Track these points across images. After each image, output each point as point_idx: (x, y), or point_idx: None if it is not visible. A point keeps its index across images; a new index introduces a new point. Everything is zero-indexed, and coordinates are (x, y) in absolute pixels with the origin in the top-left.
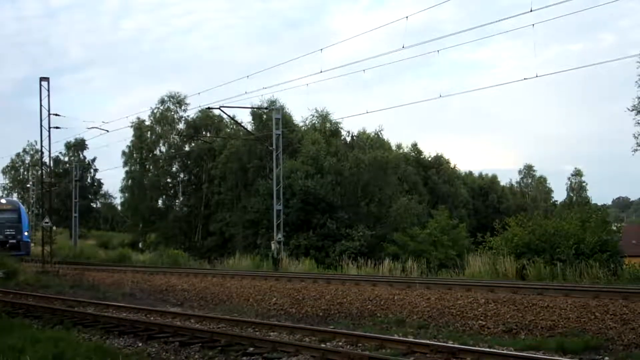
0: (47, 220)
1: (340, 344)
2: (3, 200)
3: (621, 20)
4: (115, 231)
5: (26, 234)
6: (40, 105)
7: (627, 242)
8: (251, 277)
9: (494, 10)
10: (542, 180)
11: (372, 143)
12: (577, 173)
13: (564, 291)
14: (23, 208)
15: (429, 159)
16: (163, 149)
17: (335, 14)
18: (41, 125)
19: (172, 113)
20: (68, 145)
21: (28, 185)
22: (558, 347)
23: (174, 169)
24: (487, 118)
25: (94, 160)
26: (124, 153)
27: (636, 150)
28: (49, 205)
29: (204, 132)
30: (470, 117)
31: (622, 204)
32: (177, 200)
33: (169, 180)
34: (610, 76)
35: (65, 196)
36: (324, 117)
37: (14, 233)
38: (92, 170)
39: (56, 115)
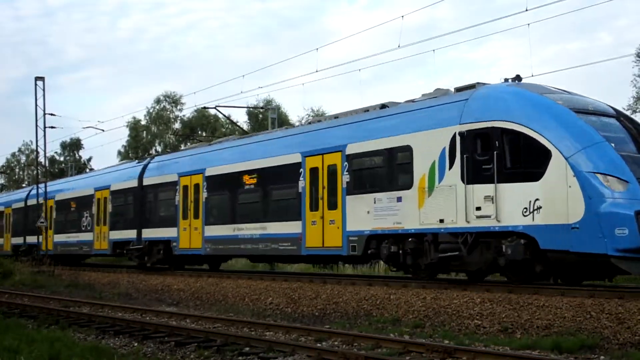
0: (42, 219)
1: (336, 343)
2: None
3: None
4: None
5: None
6: (36, 104)
7: None
8: (247, 277)
9: (489, 10)
10: None
11: None
12: None
13: (560, 290)
14: None
15: None
16: (159, 148)
17: (333, 14)
18: (36, 125)
19: (168, 112)
20: (63, 145)
21: (23, 185)
22: (554, 346)
23: None
24: None
25: (89, 159)
26: (119, 152)
27: None
28: (44, 204)
29: (199, 132)
30: None
31: None
32: None
33: None
34: (607, 75)
35: None
36: (319, 117)
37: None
38: (87, 170)
39: (52, 114)
